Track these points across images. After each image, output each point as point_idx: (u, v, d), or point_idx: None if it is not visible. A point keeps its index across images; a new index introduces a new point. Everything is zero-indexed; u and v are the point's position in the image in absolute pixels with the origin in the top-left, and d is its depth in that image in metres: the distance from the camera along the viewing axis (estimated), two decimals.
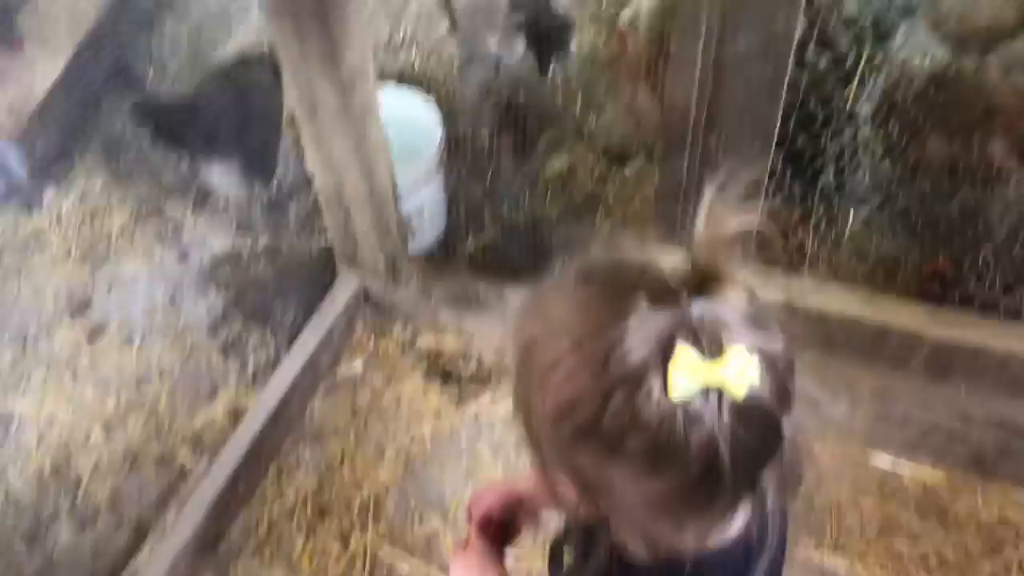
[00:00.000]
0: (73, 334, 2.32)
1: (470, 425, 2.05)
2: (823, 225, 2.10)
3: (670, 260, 0.59)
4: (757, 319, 0.58)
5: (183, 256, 2.54)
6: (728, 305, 0.57)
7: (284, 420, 2.03)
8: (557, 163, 2.64)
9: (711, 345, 0.55)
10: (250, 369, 2.21)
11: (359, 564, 1.80)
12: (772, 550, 0.70)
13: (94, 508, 1.94)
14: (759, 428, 0.57)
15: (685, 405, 0.55)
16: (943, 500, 1.82)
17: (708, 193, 0.59)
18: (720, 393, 0.55)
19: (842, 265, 2.14)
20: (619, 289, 0.58)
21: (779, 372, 0.58)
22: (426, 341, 2.25)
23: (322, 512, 1.90)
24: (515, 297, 2.16)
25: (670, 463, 0.57)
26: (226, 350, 2.27)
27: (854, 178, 2.06)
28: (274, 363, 2.18)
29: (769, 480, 0.61)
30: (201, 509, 1.80)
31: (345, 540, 1.85)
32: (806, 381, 0.62)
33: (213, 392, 2.18)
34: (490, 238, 2.46)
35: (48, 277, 2.47)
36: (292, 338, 2.20)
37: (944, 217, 2.07)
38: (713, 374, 0.54)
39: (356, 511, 1.90)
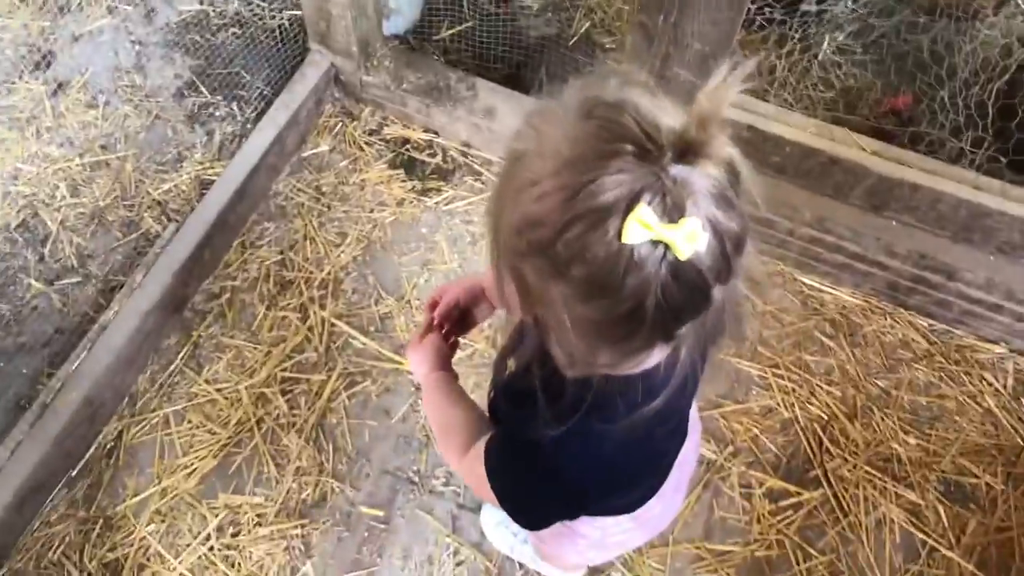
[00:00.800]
0: (35, 91, 2.26)
1: (430, 215, 2.10)
2: (796, 51, 2.07)
3: (667, 119, 0.61)
4: (723, 197, 0.61)
5: (149, 14, 2.43)
6: (702, 178, 0.60)
7: (249, 195, 2.07)
8: None
9: (672, 210, 0.58)
10: (216, 140, 2.21)
11: (316, 336, 1.91)
12: (675, 391, 0.76)
13: (61, 264, 2.00)
14: (689, 289, 0.62)
15: (632, 250, 0.59)
16: (855, 323, 1.96)
17: (718, 73, 0.60)
18: (666, 249, 0.59)
19: (808, 94, 2.14)
20: (612, 134, 0.60)
21: (726, 248, 0.62)
22: (393, 130, 2.25)
23: (283, 286, 1.99)
24: (489, 94, 2.14)
25: (602, 296, 0.62)
26: (192, 119, 2.25)
27: (835, 3, 2.00)
28: (241, 137, 2.18)
29: (687, 334, 0.67)
30: (168, 272, 1.87)
31: (304, 313, 1.95)
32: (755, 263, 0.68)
33: (179, 160, 2.18)
34: (468, 28, 2.38)
35: (5, 26, 2.36)
36: (260, 113, 2.19)
37: (914, 54, 2.05)
38: (664, 234, 0.58)
39: (316, 287, 1.99)
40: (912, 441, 1.79)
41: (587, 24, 2.41)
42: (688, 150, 0.59)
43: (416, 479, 1.73)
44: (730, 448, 1.77)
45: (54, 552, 1.66)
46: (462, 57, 2.35)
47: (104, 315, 1.84)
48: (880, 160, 1.86)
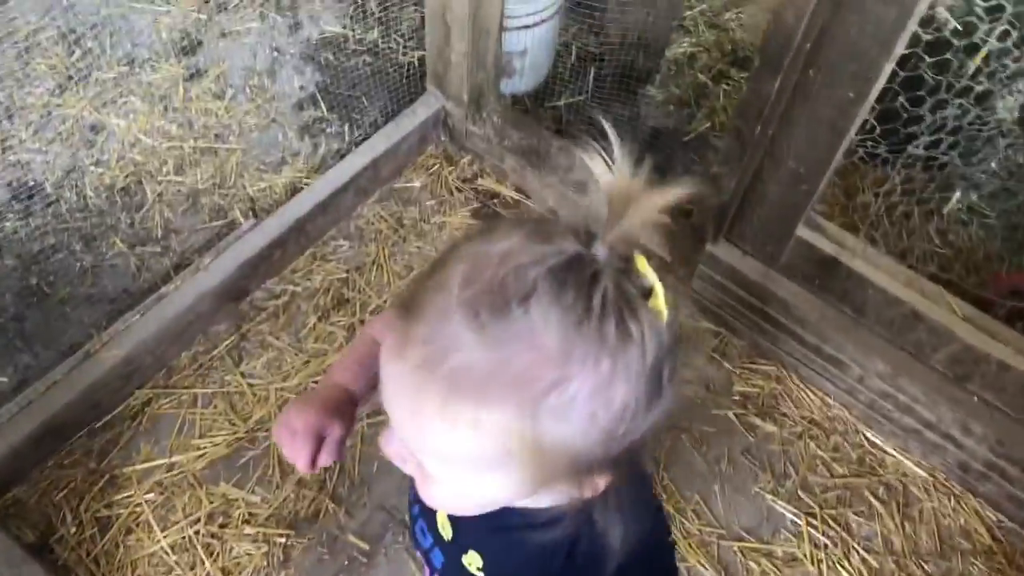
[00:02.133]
0: (175, 72, 2.58)
1: None
2: (897, 192, 2.13)
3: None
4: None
5: (295, 27, 2.74)
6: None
7: (333, 210, 2.28)
8: (682, 45, 2.68)
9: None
10: (320, 153, 2.45)
11: None
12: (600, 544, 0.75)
13: (148, 233, 2.26)
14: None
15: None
16: (913, 495, 1.94)
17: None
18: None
19: (901, 239, 2.18)
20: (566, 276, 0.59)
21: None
22: (486, 182, 2.43)
23: (339, 303, 2.17)
24: (581, 167, 2.29)
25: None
26: (304, 130, 2.51)
27: (953, 156, 2.05)
28: (342, 155, 2.40)
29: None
30: (235, 262, 2.08)
31: (351, 334, 2.11)
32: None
33: (280, 164, 2.43)
34: (583, 102, 2.56)
35: (168, 12, 2.72)
36: (366, 138, 2.41)
37: None
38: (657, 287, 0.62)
39: (370, 311, 2.15)
40: None
41: (706, 124, 2.55)
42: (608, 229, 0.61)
43: (408, 523, 1.83)
44: None
45: (58, 493, 1.84)
46: (570, 128, 2.53)
47: (166, 287, 2.06)
48: (971, 327, 1.85)
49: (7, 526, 1.75)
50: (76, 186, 2.33)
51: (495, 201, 2.40)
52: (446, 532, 0.94)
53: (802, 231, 1.90)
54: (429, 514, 0.97)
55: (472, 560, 0.90)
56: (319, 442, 0.93)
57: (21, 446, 1.80)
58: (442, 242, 2.30)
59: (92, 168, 2.37)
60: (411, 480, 0.76)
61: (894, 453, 1.99)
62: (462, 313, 0.59)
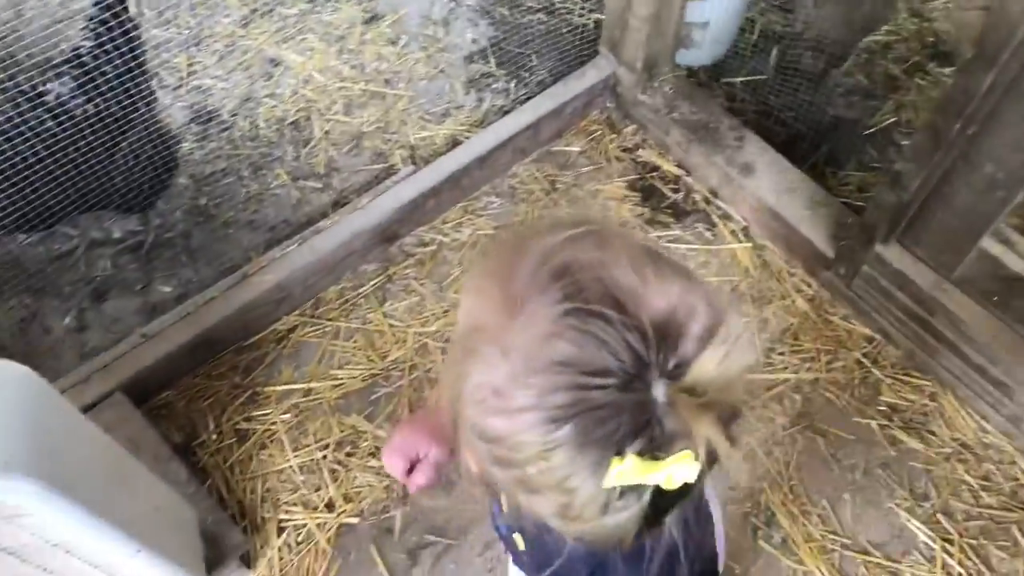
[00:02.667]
0: (353, 14, 2.71)
1: None
2: None
3: (655, 313, 0.59)
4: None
5: None
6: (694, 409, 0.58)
7: (489, 166, 2.34)
8: (878, 32, 2.59)
9: (661, 445, 0.58)
10: (484, 108, 2.51)
11: None
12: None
13: (311, 168, 2.40)
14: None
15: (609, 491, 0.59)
16: None
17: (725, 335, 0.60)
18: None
19: None
20: (592, 361, 0.58)
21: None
22: (647, 154, 2.43)
23: (483, 256, 2.23)
24: (756, 151, 2.26)
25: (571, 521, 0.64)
26: (471, 83, 2.58)
27: None
28: (505, 112, 2.46)
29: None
30: (392, 206, 2.18)
31: None
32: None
33: (444, 115, 2.51)
34: (762, 80, 2.52)
35: None
36: (530, 97, 2.45)
37: None
38: (649, 477, 0.57)
39: None
40: None
41: (892, 119, 2.45)
42: (679, 365, 0.58)
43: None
44: None
45: (204, 401, 2.00)
46: (745, 107, 2.49)
47: (323, 221, 2.18)
48: None
49: (157, 425, 1.92)
50: (250, 116, 2.49)
51: (654, 175, 2.40)
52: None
53: (988, 243, 1.80)
54: None
55: (518, 540, 1.00)
56: (414, 462, 0.99)
57: (177, 353, 1.97)
58: (593, 209, 2.33)
59: (266, 100, 2.53)
60: None
61: None
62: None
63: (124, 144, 1.99)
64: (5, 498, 0.98)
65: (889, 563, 1.79)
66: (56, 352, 2.04)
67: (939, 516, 1.84)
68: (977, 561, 1.79)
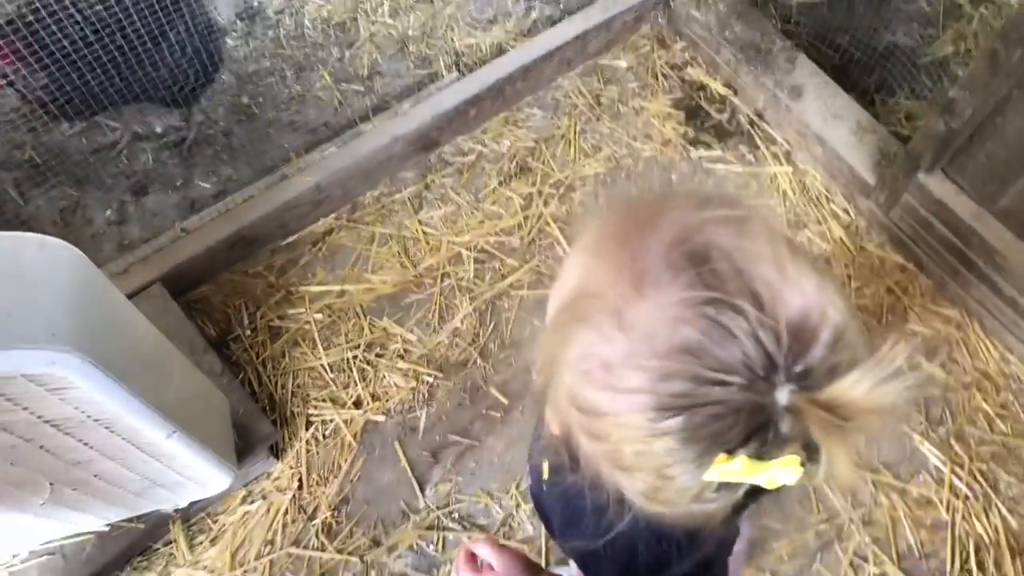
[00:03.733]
0: None
1: (687, 166, 2.26)
2: None
3: (792, 313, 0.56)
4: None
5: None
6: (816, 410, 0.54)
7: (533, 77, 2.34)
8: None
9: (771, 448, 0.56)
10: (531, 17, 2.49)
11: (528, 227, 2.16)
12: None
13: (354, 71, 2.41)
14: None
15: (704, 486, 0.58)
16: None
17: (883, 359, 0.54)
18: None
19: None
20: (721, 357, 0.55)
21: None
22: (695, 73, 2.41)
23: (522, 170, 2.26)
24: (806, 74, 2.23)
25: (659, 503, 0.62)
26: None
27: None
28: (553, 23, 2.43)
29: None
30: (432, 113, 2.20)
31: (528, 202, 2.20)
32: None
33: (491, 23, 2.50)
34: (819, 2, 2.46)
35: None
36: (580, 8, 2.42)
37: None
38: (751, 476, 0.56)
39: (550, 184, 2.23)
40: None
41: (950, 49, 2.38)
42: (810, 379, 0.55)
43: None
44: (864, 513, 1.79)
45: (239, 298, 2.07)
46: (799, 30, 2.43)
47: (364, 125, 2.21)
48: None
49: (193, 318, 2.00)
50: (296, 14, 2.50)
51: (701, 94, 2.38)
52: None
53: None
54: None
55: (545, 467, 1.00)
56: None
57: (215, 249, 2.03)
58: (636, 127, 2.32)
59: (310, 2, 2.53)
60: None
61: None
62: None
63: (171, 34, 2.02)
64: (53, 369, 1.05)
65: (897, 482, 1.83)
66: (97, 243, 2.12)
67: (952, 441, 1.87)
68: (985, 484, 1.82)
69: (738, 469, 0.55)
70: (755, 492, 0.60)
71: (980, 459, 1.85)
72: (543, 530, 1.13)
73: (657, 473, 0.58)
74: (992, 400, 1.92)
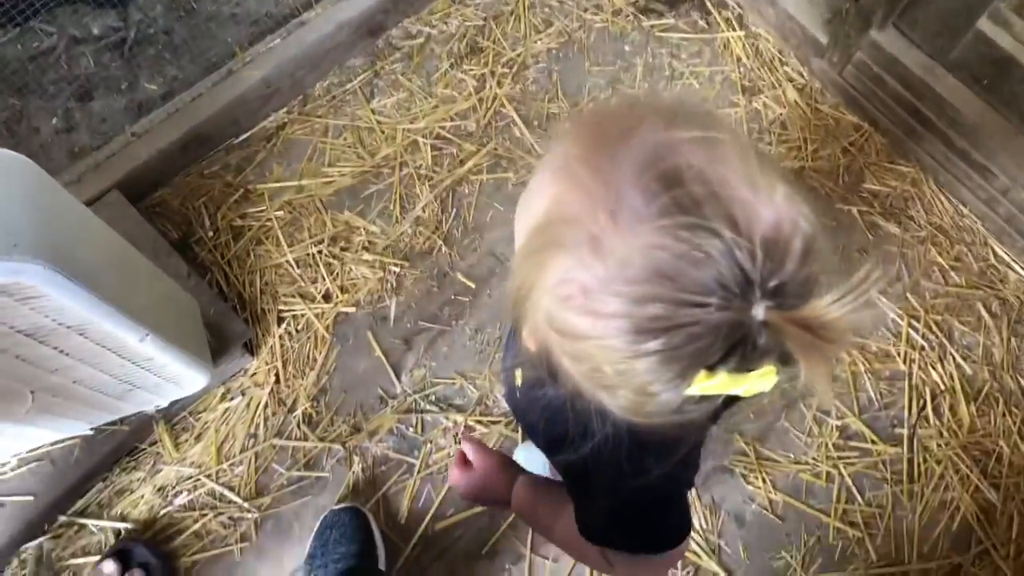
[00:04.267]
0: None
1: (639, 35, 2.25)
2: None
3: (764, 227, 0.56)
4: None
5: None
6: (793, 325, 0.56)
7: None
8: None
9: (750, 361, 0.57)
10: None
11: (483, 109, 2.15)
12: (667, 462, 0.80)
13: None
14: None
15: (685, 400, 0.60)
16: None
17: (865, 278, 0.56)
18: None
19: None
20: (697, 275, 0.55)
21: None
22: None
23: (473, 51, 2.23)
24: None
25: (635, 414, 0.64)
26: None
27: None
28: None
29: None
30: None
31: (481, 84, 2.18)
32: None
33: None
34: None
35: None
36: None
37: None
38: (731, 389, 0.58)
39: (502, 64, 2.21)
40: None
41: None
42: (784, 294, 0.56)
43: None
44: None
45: (198, 199, 2.06)
46: None
47: (307, 13, 2.15)
48: None
49: (153, 222, 1.99)
50: None
51: None
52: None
53: (984, 24, 1.80)
54: None
55: (518, 375, 1.03)
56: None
57: (168, 151, 2.01)
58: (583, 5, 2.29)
59: None
60: None
61: (1021, 271, 1.98)
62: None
63: None
64: (18, 278, 1.06)
65: (856, 338, 1.91)
66: (46, 152, 2.07)
67: (908, 295, 1.95)
68: (940, 335, 1.91)
69: (718, 384, 0.57)
70: (732, 400, 0.63)
71: (935, 311, 1.94)
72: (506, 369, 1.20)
73: (639, 390, 0.60)
74: (946, 253, 1.99)
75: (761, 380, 0.58)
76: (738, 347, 0.56)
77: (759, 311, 0.55)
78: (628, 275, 0.56)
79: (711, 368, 0.56)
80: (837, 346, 0.55)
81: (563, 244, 0.60)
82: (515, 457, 1.80)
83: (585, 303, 0.59)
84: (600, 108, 0.77)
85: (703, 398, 0.60)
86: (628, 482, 0.84)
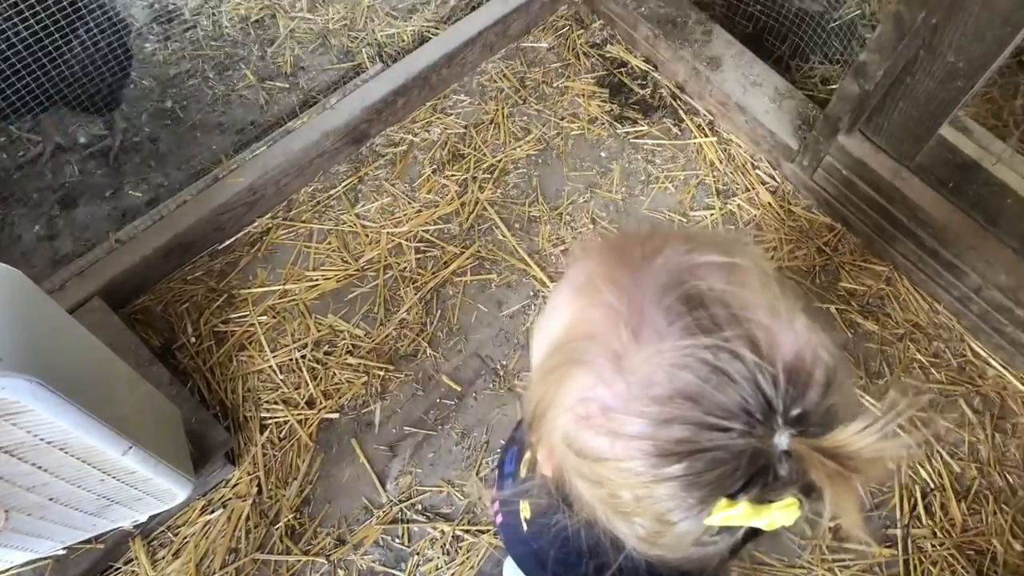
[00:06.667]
0: None
1: (615, 142, 2.27)
2: None
3: (785, 355, 0.56)
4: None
5: None
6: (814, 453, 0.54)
7: (458, 64, 2.32)
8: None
9: (772, 492, 0.55)
10: (450, 4, 2.47)
11: (465, 213, 2.14)
12: None
13: (277, 68, 2.36)
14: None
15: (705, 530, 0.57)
16: (1011, 409, 1.91)
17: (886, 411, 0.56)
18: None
19: None
20: (721, 400, 0.54)
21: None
22: (615, 50, 2.42)
23: (454, 157, 2.23)
24: (723, 45, 2.25)
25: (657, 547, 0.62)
26: None
27: None
28: (472, 7, 2.41)
29: None
30: (360, 105, 2.16)
31: (464, 189, 2.18)
32: None
33: (411, 12, 2.47)
34: None
35: None
36: None
37: None
38: (754, 521, 0.55)
39: (483, 169, 2.21)
40: (1019, 547, 1.78)
41: (856, 12, 2.44)
42: (807, 422, 0.55)
43: (501, 372, 1.94)
44: None
45: (180, 305, 2.01)
46: (712, 2, 2.46)
47: (292, 122, 2.16)
48: None
49: (136, 330, 1.93)
50: (213, 14, 2.43)
51: (622, 71, 2.39)
52: (523, 471, 1.01)
53: (946, 131, 1.84)
54: (524, 447, 1.04)
55: (525, 508, 0.98)
56: None
57: (151, 257, 1.97)
58: (563, 107, 2.32)
59: (226, 1, 2.46)
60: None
61: (998, 366, 1.97)
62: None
63: (80, 30, 1.92)
64: (2, 394, 1.00)
65: (887, 467, 1.88)
66: (27, 260, 2.03)
67: (891, 391, 1.92)
68: (925, 432, 1.89)
69: (740, 514, 0.54)
70: (753, 533, 0.60)
71: (919, 408, 1.91)
72: (495, 507, 1.12)
73: (657, 518, 0.57)
74: (925, 350, 1.98)
75: (784, 512, 0.55)
76: (760, 476, 0.54)
77: (782, 440, 0.53)
78: (651, 395, 0.55)
79: (732, 497, 0.54)
80: (864, 476, 0.53)
81: (584, 361, 0.59)
82: (504, 569, 1.72)
83: (606, 423, 0.57)
84: (625, 231, 0.75)
85: (723, 529, 0.57)
86: None
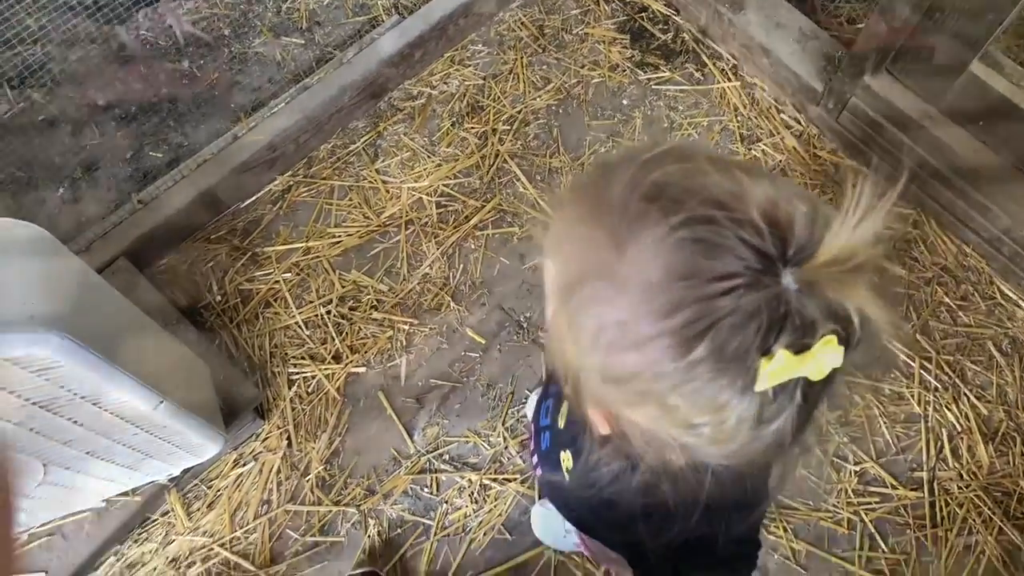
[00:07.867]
0: None
1: (636, 89, 2.25)
2: None
3: (759, 202, 0.56)
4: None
5: None
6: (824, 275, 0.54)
7: (475, 14, 2.31)
8: None
9: (804, 334, 0.55)
10: None
11: (486, 166, 2.15)
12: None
13: (293, 24, 2.36)
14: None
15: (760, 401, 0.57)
16: None
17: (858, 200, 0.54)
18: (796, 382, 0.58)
19: None
20: (716, 256, 0.55)
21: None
22: None
23: (474, 109, 2.24)
24: None
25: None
26: None
27: None
28: None
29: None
30: (377, 59, 2.17)
31: (484, 141, 2.19)
32: None
33: None
34: None
35: None
36: None
37: None
38: (801, 370, 0.55)
39: (503, 121, 2.22)
40: None
41: None
42: (800, 249, 0.55)
43: (524, 324, 1.96)
44: (840, 415, 1.85)
45: (205, 264, 2.05)
46: None
47: (310, 78, 2.17)
48: None
49: (162, 289, 1.97)
50: None
51: (643, 15, 2.37)
52: (561, 421, 1.03)
53: (977, 67, 1.81)
54: (558, 400, 1.07)
55: (566, 458, 1.00)
56: None
57: (175, 217, 2.00)
58: (583, 55, 2.31)
59: None
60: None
61: None
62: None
63: None
64: (34, 350, 1.04)
65: (870, 381, 1.89)
66: (53, 223, 2.07)
67: (918, 337, 1.93)
68: (953, 375, 1.89)
69: (783, 365, 0.54)
70: (810, 399, 0.60)
71: (946, 351, 1.92)
72: (535, 460, 1.14)
73: (711, 408, 0.58)
74: (953, 293, 1.98)
75: (826, 353, 0.55)
76: (784, 322, 0.54)
77: (788, 279, 0.54)
78: (651, 291, 0.56)
79: (767, 353, 0.54)
80: (868, 268, 0.54)
81: (585, 298, 0.60)
82: (532, 516, 1.76)
83: (624, 337, 0.58)
84: (573, 179, 0.76)
85: (778, 392, 0.57)
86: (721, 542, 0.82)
